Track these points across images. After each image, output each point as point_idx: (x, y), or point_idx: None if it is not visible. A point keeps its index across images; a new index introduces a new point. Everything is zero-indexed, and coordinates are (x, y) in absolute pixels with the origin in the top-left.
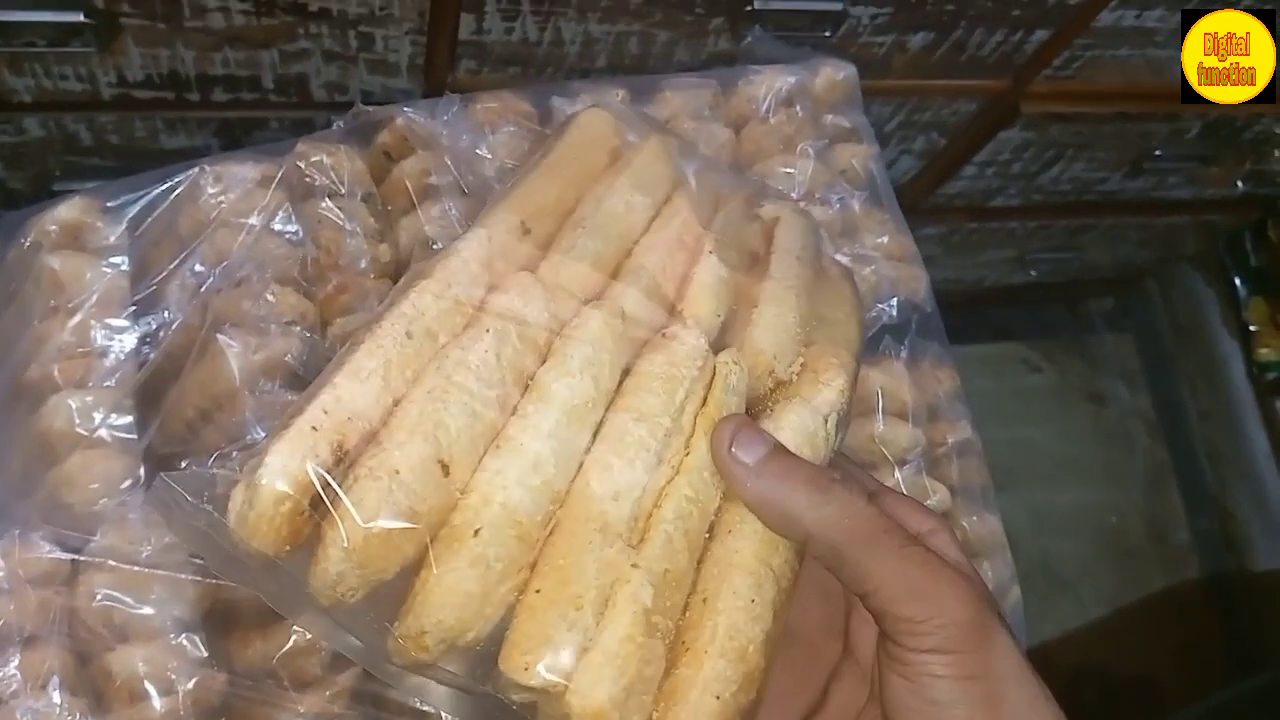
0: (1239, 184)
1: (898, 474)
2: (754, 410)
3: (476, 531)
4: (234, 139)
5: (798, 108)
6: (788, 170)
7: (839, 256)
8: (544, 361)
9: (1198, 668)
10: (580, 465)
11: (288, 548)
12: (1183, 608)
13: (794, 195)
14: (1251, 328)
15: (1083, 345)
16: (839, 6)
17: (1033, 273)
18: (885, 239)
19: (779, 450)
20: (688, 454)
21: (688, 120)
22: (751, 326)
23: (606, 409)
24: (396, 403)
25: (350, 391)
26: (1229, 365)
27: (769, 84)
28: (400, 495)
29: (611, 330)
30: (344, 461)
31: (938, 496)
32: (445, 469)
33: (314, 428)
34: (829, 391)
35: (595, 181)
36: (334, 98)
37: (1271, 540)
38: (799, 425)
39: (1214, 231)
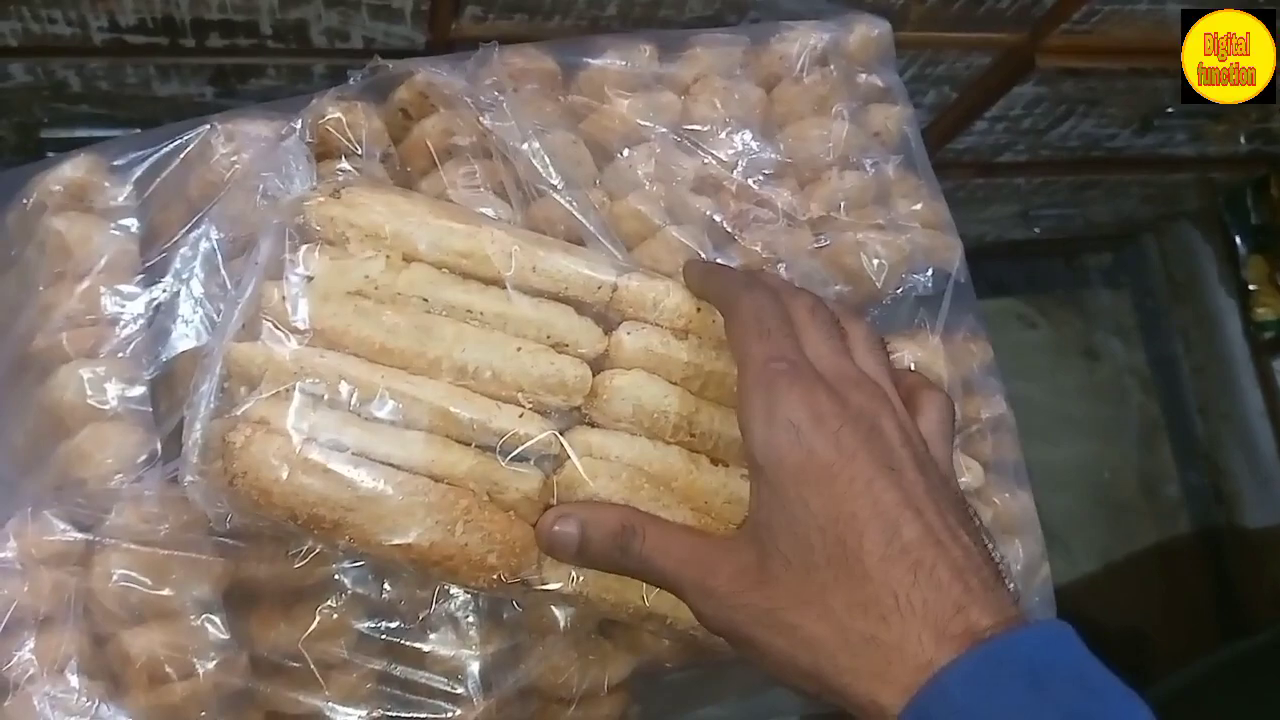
0: (1242, 140)
1: None
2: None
3: None
4: (229, 87)
5: (832, 67)
6: (821, 134)
7: (867, 233)
8: None
9: (1188, 620)
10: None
11: None
12: (1173, 561)
13: (827, 160)
14: (1250, 286)
15: (1079, 301)
16: None
17: (1036, 229)
18: (919, 205)
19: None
20: None
21: (718, 79)
22: None
23: None
24: None
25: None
26: (1225, 322)
27: (802, 41)
28: None
29: None
30: None
31: (970, 474)
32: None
33: None
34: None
35: None
36: (334, 44)
37: (1262, 496)
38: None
39: (1216, 189)
